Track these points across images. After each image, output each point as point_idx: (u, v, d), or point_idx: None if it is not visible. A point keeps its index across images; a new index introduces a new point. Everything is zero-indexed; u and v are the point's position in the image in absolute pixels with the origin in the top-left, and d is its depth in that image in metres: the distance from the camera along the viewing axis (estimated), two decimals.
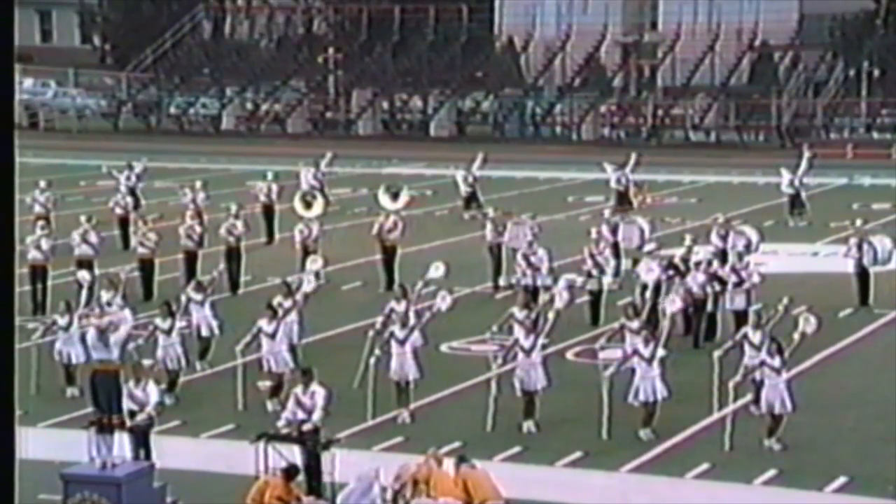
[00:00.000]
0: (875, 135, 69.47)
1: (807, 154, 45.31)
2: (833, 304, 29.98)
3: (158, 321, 24.42)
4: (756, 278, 28.38)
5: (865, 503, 19.10)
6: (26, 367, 24.12)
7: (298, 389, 19.90)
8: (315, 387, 19.68)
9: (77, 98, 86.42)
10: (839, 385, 25.03)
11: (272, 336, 23.78)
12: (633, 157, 44.21)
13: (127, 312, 23.91)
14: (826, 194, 50.53)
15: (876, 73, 73.69)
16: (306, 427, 19.29)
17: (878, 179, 54.12)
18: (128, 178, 42.47)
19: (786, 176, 44.46)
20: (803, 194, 44.11)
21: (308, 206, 36.30)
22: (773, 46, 77.41)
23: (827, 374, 25.49)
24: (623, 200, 42.52)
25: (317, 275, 29.11)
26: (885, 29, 73.95)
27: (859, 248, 31.59)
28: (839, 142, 68.23)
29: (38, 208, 37.86)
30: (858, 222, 34.36)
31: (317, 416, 19.41)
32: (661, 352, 22.11)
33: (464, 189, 45.69)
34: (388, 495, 17.51)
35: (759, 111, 73.41)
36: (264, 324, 23.88)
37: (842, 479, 19.84)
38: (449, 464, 18.23)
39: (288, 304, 25.01)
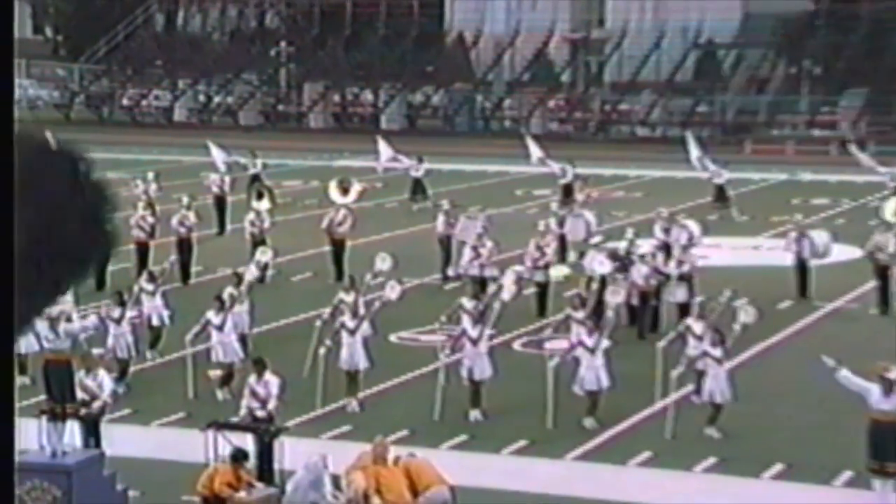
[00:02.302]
0: (815, 132, 69.82)
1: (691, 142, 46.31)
2: (773, 296, 30.17)
3: (110, 310, 24.36)
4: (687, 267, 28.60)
5: (801, 489, 19.25)
6: None
7: (252, 379, 19.92)
8: (269, 376, 19.72)
9: (29, 89, 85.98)
10: (778, 375, 25.19)
11: (220, 327, 23.78)
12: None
13: (78, 301, 23.78)
14: (767, 189, 50.90)
15: (817, 71, 74.15)
16: (261, 415, 19.33)
17: (818, 175, 54.43)
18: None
19: (712, 168, 45.17)
20: (729, 190, 44.71)
21: (259, 196, 36.32)
22: (718, 44, 77.75)
23: (766, 365, 25.66)
24: (568, 194, 42.68)
25: (265, 266, 29.16)
26: (826, 29, 74.41)
27: (799, 241, 31.82)
28: (781, 138, 68.61)
29: None
30: (798, 217, 34.72)
31: (271, 404, 19.47)
32: (605, 342, 22.23)
33: (414, 173, 46.29)
34: (343, 498, 17.54)
35: (703, 108, 73.68)
36: (212, 314, 23.90)
37: (779, 466, 20.01)
38: (392, 451, 18.32)
39: (236, 293, 25.02)
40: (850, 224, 39.81)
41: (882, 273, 30.56)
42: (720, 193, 44.92)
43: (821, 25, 74.87)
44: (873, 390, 18.60)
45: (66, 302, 24.24)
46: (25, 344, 23.95)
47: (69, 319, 22.64)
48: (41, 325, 22.74)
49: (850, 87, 70.98)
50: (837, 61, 73.05)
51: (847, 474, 19.40)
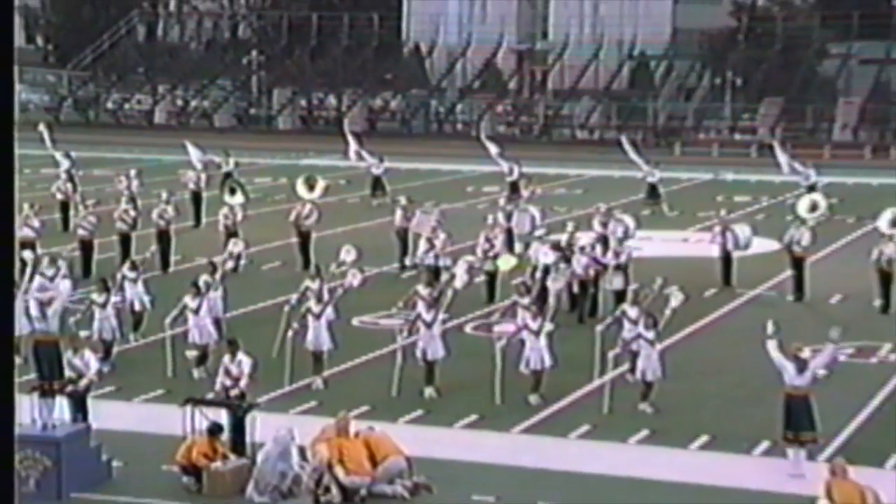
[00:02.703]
0: (737, 136, 70.18)
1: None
2: (700, 284, 30.26)
3: (95, 296, 24.22)
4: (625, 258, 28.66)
5: (724, 458, 19.33)
6: None
7: (226, 359, 19.85)
8: (241, 356, 19.66)
9: (21, 93, 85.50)
10: (704, 355, 25.30)
11: (196, 311, 23.70)
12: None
13: (67, 284, 23.59)
14: (694, 188, 51.08)
15: (738, 81, 74.54)
16: (234, 392, 19.27)
17: (739, 175, 54.67)
18: (66, 171, 41.99)
19: (646, 169, 45.41)
20: (660, 188, 44.92)
21: (232, 192, 36.23)
22: (650, 56, 78.04)
23: (694, 346, 25.76)
24: (515, 191, 42.73)
25: (238, 256, 29.03)
26: (746, 44, 74.89)
27: (723, 235, 31.94)
28: (706, 141, 68.89)
29: None
30: (723, 213, 34.74)
31: (244, 382, 19.43)
32: (548, 326, 22.24)
33: (374, 171, 46.42)
34: (308, 468, 17.49)
35: (638, 114, 73.92)
36: (189, 300, 23.82)
37: (704, 438, 20.09)
38: (353, 425, 18.31)
39: (210, 281, 24.93)
40: (768, 219, 40.00)
41: (797, 263, 30.70)
42: (652, 191, 45.17)
43: (741, 41, 75.40)
44: (788, 368, 18.74)
45: (55, 288, 24.15)
46: (18, 326, 23.84)
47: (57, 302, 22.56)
48: (32, 309, 22.64)
49: (767, 97, 71.46)
50: (756, 73, 73.49)
51: (765, 444, 19.51)
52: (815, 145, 63.28)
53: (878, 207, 32.84)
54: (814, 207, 33.45)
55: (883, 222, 30.36)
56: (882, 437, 20.27)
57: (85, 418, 19.36)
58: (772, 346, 18.99)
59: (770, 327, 19.21)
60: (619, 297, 26.71)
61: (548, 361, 21.99)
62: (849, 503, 16.11)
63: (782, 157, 46.51)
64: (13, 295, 3.50)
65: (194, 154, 44.55)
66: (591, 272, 28.22)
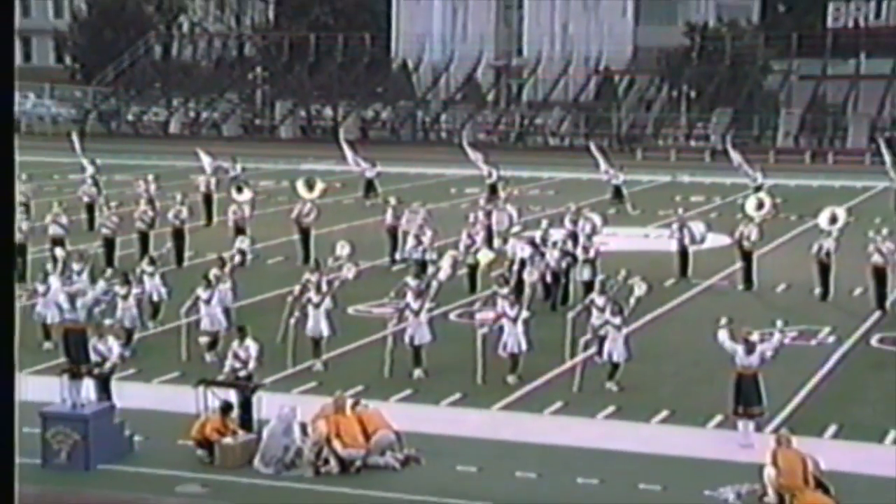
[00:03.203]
0: (692, 142, 70.29)
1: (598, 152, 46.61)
2: (660, 275, 30.29)
3: (118, 288, 24.19)
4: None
5: (682, 431, 19.36)
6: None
7: (235, 344, 19.83)
8: (249, 342, 19.63)
9: (51, 107, 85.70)
10: (664, 339, 25.33)
11: (208, 301, 23.69)
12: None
13: (92, 279, 23.57)
14: (654, 189, 51.13)
15: (692, 94, 74.66)
16: (242, 374, 19.25)
17: (695, 178, 54.76)
18: (91, 177, 41.96)
19: (610, 171, 45.54)
20: (624, 189, 44.98)
21: (240, 191, 36.21)
22: (614, 71, 78.11)
23: (655, 331, 25.79)
24: (494, 192, 42.77)
25: (244, 251, 29.01)
26: (699, 60, 75.05)
27: (680, 231, 31.99)
28: (665, 148, 68.98)
29: (19, 197, 37.25)
30: (680, 211, 34.81)
31: (251, 365, 19.39)
32: (524, 313, 22.27)
33: (367, 175, 46.60)
34: (308, 442, 17.48)
35: (603, 123, 74.03)
36: (201, 291, 23.80)
37: (664, 413, 20.14)
38: (349, 403, 18.32)
39: (220, 274, 24.91)
40: (720, 217, 40.05)
41: (746, 256, 30.79)
42: (617, 192, 45.23)
43: (694, 58, 75.49)
44: (738, 350, 18.80)
45: (83, 281, 24.13)
46: (49, 315, 23.84)
47: (84, 294, 22.54)
48: (62, 300, 22.63)
49: (718, 107, 71.63)
50: (708, 86, 73.58)
51: (718, 418, 19.55)
52: (761, 151, 63.26)
53: (817, 206, 33.02)
54: (760, 206, 33.50)
55: (822, 219, 30.50)
56: (821, 410, 20.36)
57: (109, 398, 19.35)
58: (722, 334, 19.07)
59: (723, 320, 19.30)
60: (588, 287, 26.76)
61: (524, 345, 22.02)
62: (792, 469, 16.19)
63: (736, 157, 46.90)
64: (13, 296, 3.44)
65: (205, 160, 44.50)
66: (563, 265, 28.24)
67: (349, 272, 24.92)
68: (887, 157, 46.38)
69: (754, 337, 18.96)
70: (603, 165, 46.36)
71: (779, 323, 19.37)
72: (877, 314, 27.34)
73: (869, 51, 72.50)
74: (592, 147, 49.00)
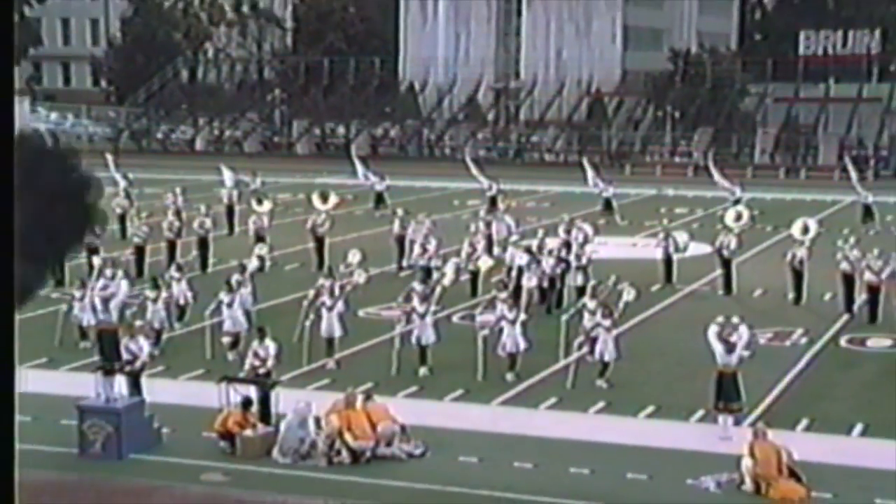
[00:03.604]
0: (676, 159, 70.25)
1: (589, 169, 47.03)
2: (647, 281, 30.21)
3: (148, 292, 24.21)
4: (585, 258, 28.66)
5: (667, 424, 19.34)
6: (52, 326, 23.96)
7: (255, 343, 19.81)
8: (268, 342, 19.61)
9: (88, 127, 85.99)
10: (650, 340, 25.29)
11: (230, 304, 23.69)
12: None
13: (124, 284, 23.55)
14: (641, 201, 51.09)
15: (676, 114, 74.69)
16: (262, 371, 19.23)
17: (678, 191, 54.69)
18: (124, 190, 41.97)
19: (600, 185, 45.52)
20: (614, 202, 44.96)
21: (260, 202, 36.22)
22: (604, 93, 78.12)
23: (642, 332, 25.74)
24: (494, 204, 42.76)
25: (262, 258, 29.01)
26: (682, 83, 75.17)
27: (665, 240, 31.98)
28: (651, 164, 68.95)
29: None
30: (665, 222, 34.83)
31: (270, 363, 19.37)
32: (522, 316, 22.27)
33: (377, 188, 46.76)
34: (322, 435, 17.46)
35: (594, 141, 74.06)
36: (223, 295, 23.80)
37: (651, 408, 20.12)
38: (359, 399, 18.30)
39: (241, 279, 24.90)
40: (702, 228, 40.02)
41: (726, 264, 30.77)
42: (607, 204, 45.19)
43: (678, 81, 75.66)
44: (719, 350, 18.77)
45: (115, 286, 24.10)
46: (86, 318, 23.84)
47: (116, 298, 22.55)
48: (97, 304, 22.64)
49: (700, 126, 71.59)
50: (691, 107, 73.62)
51: (700, 413, 19.52)
52: (740, 167, 63.23)
53: (790, 218, 32.98)
54: (739, 218, 33.50)
55: (795, 230, 30.50)
56: (794, 406, 20.33)
57: (140, 393, 19.34)
58: (712, 331, 19.01)
59: (720, 318, 19.25)
60: (581, 291, 26.69)
61: (522, 345, 22.00)
62: (767, 460, 16.19)
63: (716, 174, 46.93)
64: (13, 295, 3.43)
65: (227, 175, 44.49)
66: (558, 271, 28.23)
67: (360, 277, 24.90)
68: (853, 174, 46.75)
69: (734, 338, 18.93)
70: (592, 180, 46.32)
71: (734, 319, 19.31)
72: (845, 317, 27.30)
73: (837, 76, 73.22)
74: (585, 163, 48.96)
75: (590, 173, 46.65)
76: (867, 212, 43.60)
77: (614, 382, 21.36)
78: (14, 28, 3.48)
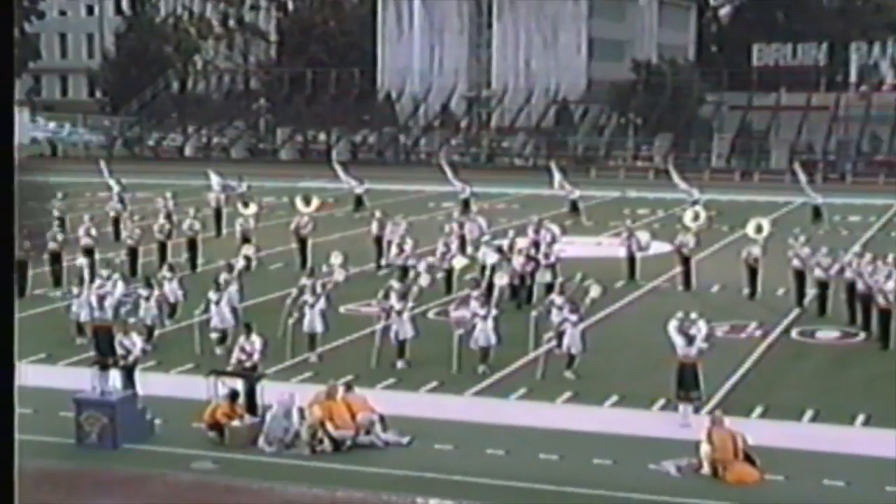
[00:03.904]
0: (638, 163, 70.43)
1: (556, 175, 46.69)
2: (611, 278, 30.28)
3: (141, 291, 24.12)
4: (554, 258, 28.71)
5: (630, 413, 19.38)
6: (51, 324, 23.85)
7: (242, 339, 19.75)
8: (254, 337, 19.55)
9: (84, 135, 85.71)
10: (615, 333, 25.34)
11: (217, 302, 23.62)
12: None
13: (120, 284, 23.45)
14: (606, 203, 51.19)
15: (638, 121, 74.88)
16: (248, 365, 19.17)
17: (641, 193, 54.85)
18: (117, 195, 41.80)
19: (568, 188, 45.55)
20: (579, 203, 45.04)
21: (246, 205, 36.10)
22: (570, 101, 78.28)
23: (607, 326, 25.81)
24: (467, 206, 42.77)
25: (248, 258, 28.92)
26: (644, 92, 75.40)
27: (628, 239, 32.07)
28: (615, 167, 69.07)
29: (56, 212, 37.07)
30: (628, 222, 34.86)
31: (256, 357, 19.30)
32: (494, 312, 22.27)
33: (356, 191, 46.77)
34: (305, 425, 17.43)
35: (561, 146, 74.17)
36: (212, 293, 23.74)
37: (615, 397, 20.16)
38: (340, 390, 18.28)
39: (228, 278, 24.82)
40: (663, 228, 40.09)
41: (685, 261, 30.87)
42: (573, 206, 45.27)
43: (640, 90, 75.80)
44: (679, 342, 18.83)
45: (110, 285, 23.97)
46: (82, 315, 23.71)
47: (110, 296, 22.45)
48: (93, 302, 22.53)
49: (660, 132, 71.83)
50: (652, 115, 73.82)
51: (662, 401, 19.57)
52: (698, 170, 63.42)
53: (745, 218, 33.09)
54: (696, 218, 33.68)
55: (749, 229, 30.63)
56: (749, 394, 20.41)
57: (133, 386, 19.26)
58: (672, 325, 19.07)
59: (679, 314, 19.30)
60: (549, 288, 26.76)
61: (493, 339, 22.01)
62: (724, 445, 16.26)
63: (676, 177, 47.12)
64: (13, 294, 3.40)
65: (215, 179, 44.36)
66: (527, 269, 28.27)
67: (340, 276, 24.89)
68: (802, 178, 47.10)
69: (693, 331, 19.00)
70: (557, 183, 46.39)
71: (693, 315, 19.37)
72: (796, 311, 27.45)
73: (788, 86, 73.81)
74: (553, 167, 49.03)
75: (556, 177, 46.71)
76: (816, 212, 43.87)
77: (581, 373, 21.37)
78: (14, 40, 3.45)
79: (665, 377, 19.33)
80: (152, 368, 21.59)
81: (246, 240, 33.18)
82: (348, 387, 18.55)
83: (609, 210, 47.66)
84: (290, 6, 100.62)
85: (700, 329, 18.97)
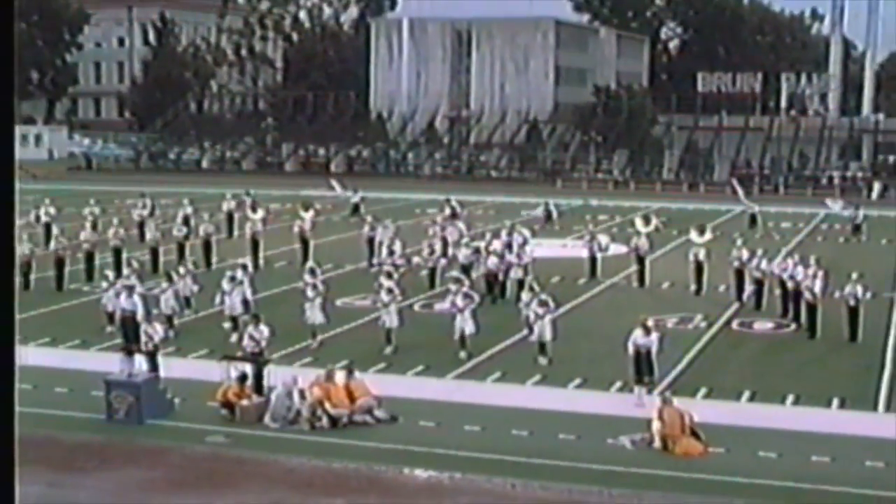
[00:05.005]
0: (599, 175, 70.55)
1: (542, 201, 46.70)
2: (575, 276, 30.39)
3: (163, 285, 24.02)
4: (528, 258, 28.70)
5: (592, 394, 19.36)
6: (85, 314, 23.70)
7: (251, 327, 19.68)
8: (262, 326, 19.47)
9: (114, 150, 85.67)
10: (580, 324, 25.29)
11: (230, 295, 23.52)
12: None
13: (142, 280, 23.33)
14: (571, 210, 51.22)
15: (599, 139, 75.04)
16: (256, 351, 19.10)
17: (601, 202, 54.92)
18: (143, 202, 41.61)
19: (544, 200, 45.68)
20: (554, 212, 45.00)
21: (254, 211, 35.99)
22: (540, 121, 78.35)
23: (572, 318, 25.75)
24: (453, 213, 42.66)
25: (259, 256, 28.68)
26: (603, 114, 75.62)
27: (590, 242, 32.08)
28: (578, 179, 69.14)
29: (89, 217, 36.87)
30: (590, 227, 34.89)
31: (263, 344, 19.22)
32: (472, 305, 22.23)
33: (352, 201, 46.41)
34: (306, 404, 17.37)
35: (532, 160, 74.24)
36: (225, 284, 23.67)
37: (578, 380, 20.15)
38: (341, 375, 18.21)
39: (240, 274, 24.71)
40: (621, 232, 40.15)
41: (640, 261, 30.89)
42: (547, 212, 45.11)
43: (600, 112, 76.06)
44: (636, 332, 18.83)
45: (136, 280, 23.86)
46: (111, 306, 23.55)
47: (136, 290, 22.36)
48: (121, 295, 22.40)
49: (618, 149, 72.00)
50: (611, 134, 74.05)
51: (619, 384, 19.57)
52: (650, 182, 63.70)
53: (691, 224, 33.16)
54: (647, 222, 33.71)
55: (693, 234, 30.72)
56: (695, 378, 20.42)
57: (156, 369, 19.17)
58: (636, 331, 18.79)
59: (651, 322, 19.09)
60: (521, 285, 26.75)
61: (472, 329, 21.98)
62: (673, 422, 16.28)
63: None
64: (13, 293, 3.34)
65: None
66: (502, 268, 28.25)
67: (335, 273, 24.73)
68: (740, 190, 47.48)
69: (649, 322, 19.02)
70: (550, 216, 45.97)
71: (650, 322, 19.26)
72: (736, 305, 27.52)
73: (728, 110, 74.72)
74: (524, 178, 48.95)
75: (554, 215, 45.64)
76: (753, 220, 44.06)
77: (550, 359, 21.33)
78: (13, 40, 3.35)
79: (623, 363, 19.32)
80: (172, 354, 21.48)
81: (255, 241, 33.03)
82: (349, 371, 18.46)
83: (573, 216, 47.71)
84: (295, 37, 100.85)
85: (653, 341, 18.83)
